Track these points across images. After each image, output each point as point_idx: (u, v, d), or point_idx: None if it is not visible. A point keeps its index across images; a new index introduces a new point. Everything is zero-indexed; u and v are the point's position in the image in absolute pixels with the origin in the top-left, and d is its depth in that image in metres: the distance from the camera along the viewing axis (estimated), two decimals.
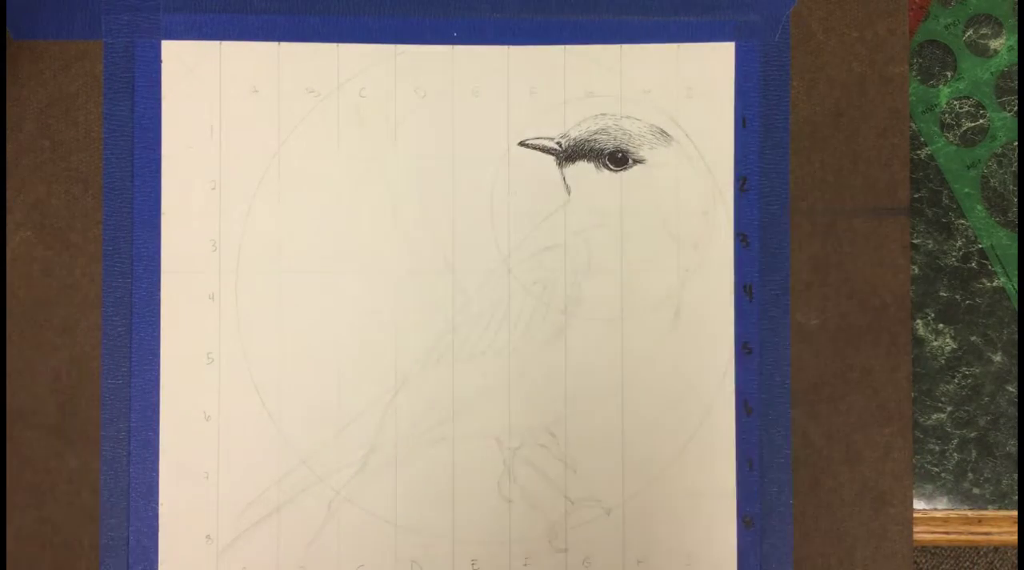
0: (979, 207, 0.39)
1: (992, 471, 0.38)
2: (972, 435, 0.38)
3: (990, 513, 0.38)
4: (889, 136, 0.37)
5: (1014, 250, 0.38)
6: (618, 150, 0.37)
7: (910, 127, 0.39)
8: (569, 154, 0.37)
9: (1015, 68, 0.39)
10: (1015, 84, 0.39)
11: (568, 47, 0.37)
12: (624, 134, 0.37)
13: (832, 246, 0.37)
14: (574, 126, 0.37)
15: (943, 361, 0.39)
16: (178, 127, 0.37)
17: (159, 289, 0.37)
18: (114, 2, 0.37)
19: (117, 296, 0.37)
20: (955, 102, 0.39)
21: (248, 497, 0.36)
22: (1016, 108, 0.39)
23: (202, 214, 0.37)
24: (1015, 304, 0.39)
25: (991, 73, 0.39)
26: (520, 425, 0.37)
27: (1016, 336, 0.38)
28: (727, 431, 0.37)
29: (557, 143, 0.37)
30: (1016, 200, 0.39)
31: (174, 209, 0.37)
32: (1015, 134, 0.39)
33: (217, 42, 0.37)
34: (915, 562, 0.90)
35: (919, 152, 0.39)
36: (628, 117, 0.37)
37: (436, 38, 0.37)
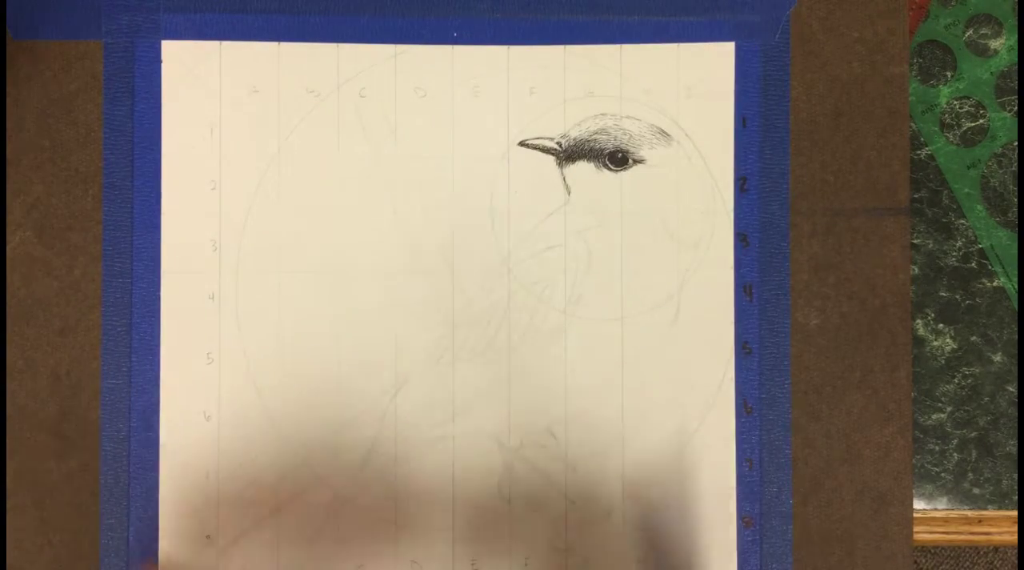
0: (979, 207, 0.39)
1: (992, 471, 0.38)
2: (972, 435, 0.38)
3: (990, 513, 0.38)
4: (889, 136, 0.37)
5: (1014, 250, 0.38)
6: (618, 150, 0.37)
7: (910, 127, 0.39)
8: (569, 154, 0.37)
9: (1015, 68, 0.39)
10: (1015, 84, 0.39)
11: (568, 47, 0.37)
12: (624, 134, 0.37)
13: (832, 246, 0.37)
14: (574, 126, 0.37)
15: (943, 361, 0.39)
16: (178, 127, 0.37)
17: (159, 289, 0.37)
18: (114, 2, 0.37)
19: (117, 296, 0.37)
20: (955, 102, 0.39)
21: (248, 497, 0.36)
22: (1016, 108, 0.39)
23: (202, 214, 0.37)
24: (1015, 304, 0.39)
25: (991, 73, 0.39)
26: (520, 425, 0.37)
27: (1016, 336, 0.38)
28: (727, 431, 0.37)
29: (557, 143, 0.37)
30: (1016, 200, 0.39)
31: (174, 209, 0.37)
32: (1015, 134, 0.39)
33: (217, 42, 0.37)
34: (915, 562, 0.90)
35: (919, 152, 0.39)
36: (628, 117, 0.37)
37: (436, 38, 0.37)
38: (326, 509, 0.36)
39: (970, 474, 0.38)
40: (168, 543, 0.36)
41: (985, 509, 0.38)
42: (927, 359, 0.39)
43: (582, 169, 0.37)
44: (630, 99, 0.37)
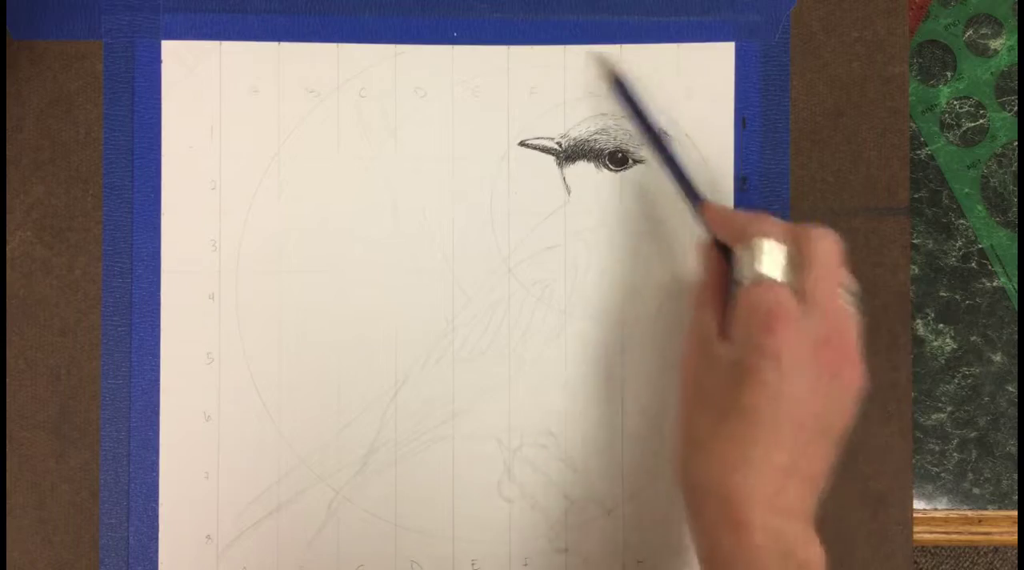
0: (979, 207, 0.39)
1: (992, 471, 0.38)
2: (972, 435, 0.38)
3: (990, 513, 0.38)
4: (889, 136, 0.37)
5: (1014, 250, 0.38)
6: (618, 150, 0.37)
7: (910, 127, 0.39)
8: (569, 154, 0.37)
9: (1015, 68, 0.39)
10: (1015, 84, 0.39)
11: (568, 47, 0.37)
12: (624, 134, 0.37)
13: None
14: (574, 126, 0.37)
15: (943, 361, 0.39)
16: (178, 127, 0.37)
17: (159, 289, 0.37)
18: (114, 2, 0.37)
19: (117, 296, 0.37)
20: (955, 102, 0.39)
21: (248, 497, 0.36)
22: (1016, 108, 0.39)
23: (202, 214, 0.37)
24: (1015, 304, 0.39)
25: (991, 73, 0.39)
26: (520, 425, 0.37)
27: (1016, 336, 0.38)
28: None
29: (557, 143, 0.37)
30: (1016, 200, 0.39)
31: (174, 209, 0.37)
32: (1015, 134, 0.39)
33: (217, 42, 0.37)
34: (915, 562, 0.90)
35: (919, 152, 0.39)
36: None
37: (436, 38, 0.37)
38: (326, 509, 0.36)
39: (970, 474, 0.38)
40: (168, 543, 0.36)
41: (985, 509, 0.38)
42: (927, 359, 0.39)
43: (582, 169, 0.37)
44: None
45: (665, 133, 0.35)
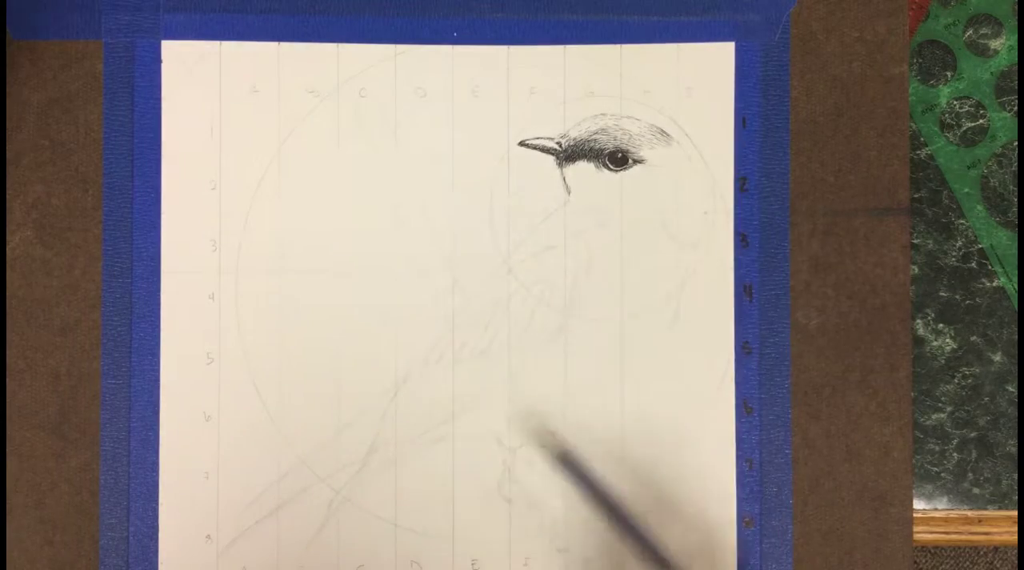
0: (979, 207, 0.39)
1: (992, 471, 0.38)
2: (972, 435, 0.38)
3: (990, 513, 0.38)
4: (889, 136, 0.37)
5: (1014, 250, 0.38)
6: (618, 150, 0.37)
7: (910, 127, 0.39)
8: (569, 154, 0.37)
9: (1015, 68, 0.39)
10: (1015, 84, 0.39)
11: (568, 47, 0.37)
12: (624, 134, 0.37)
13: (832, 246, 0.37)
14: (574, 126, 0.37)
15: (943, 361, 0.39)
16: (178, 127, 0.37)
17: (159, 289, 0.37)
18: (114, 2, 0.37)
19: (117, 296, 0.37)
20: (955, 102, 0.39)
21: (248, 497, 0.36)
22: (1016, 108, 0.39)
23: (202, 214, 0.37)
24: (1015, 304, 0.39)
25: (991, 73, 0.39)
26: (520, 425, 0.37)
27: (1016, 336, 0.38)
28: (727, 431, 0.37)
29: (557, 143, 0.37)
30: (1016, 200, 0.39)
31: (174, 209, 0.37)
32: (1015, 134, 0.39)
33: (217, 42, 0.37)
34: (915, 562, 0.90)
35: (919, 152, 0.39)
36: (628, 117, 0.37)
37: (436, 38, 0.37)
38: (326, 509, 0.36)
39: (970, 474, 0.38)
40: (168, 543, 0.36)
41: (985, 509, 0.38)
42: (927, 359, 0.39)
43: (582, 169, 0.37)
44: (630, 99, 0.37)
45: (621, 503, 0.33)
